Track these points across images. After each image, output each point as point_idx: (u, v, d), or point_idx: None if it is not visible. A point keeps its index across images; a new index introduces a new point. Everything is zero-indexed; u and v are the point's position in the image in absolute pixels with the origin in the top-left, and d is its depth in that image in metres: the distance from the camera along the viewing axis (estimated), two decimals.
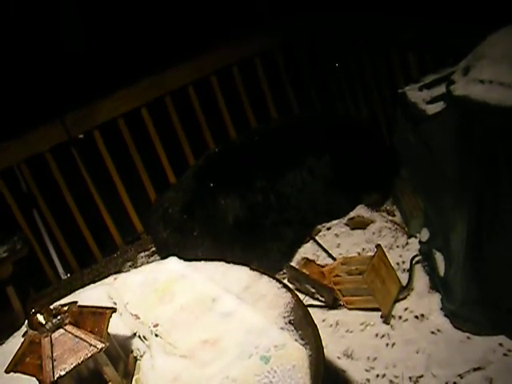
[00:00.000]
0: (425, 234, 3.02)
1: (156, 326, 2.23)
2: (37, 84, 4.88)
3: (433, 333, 2.79)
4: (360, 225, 3.80)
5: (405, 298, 3.07)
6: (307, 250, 3.75)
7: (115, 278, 2.64)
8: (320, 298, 3.25)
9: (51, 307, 1.94)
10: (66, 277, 4.56)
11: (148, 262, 4.02)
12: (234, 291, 2.29)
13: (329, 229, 3.89)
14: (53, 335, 1.87)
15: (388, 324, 2.95)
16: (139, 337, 2.22)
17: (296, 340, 1.96)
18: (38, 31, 4.94)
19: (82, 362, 1.84)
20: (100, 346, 1.86)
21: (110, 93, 4.35)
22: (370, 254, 3.26)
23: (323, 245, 3.72)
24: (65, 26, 5.17)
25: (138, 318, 2.31)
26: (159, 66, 4.50)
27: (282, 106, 4.89)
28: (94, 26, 5.17)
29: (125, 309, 2.37)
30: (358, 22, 4.08)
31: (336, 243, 3.72)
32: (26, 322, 1.95)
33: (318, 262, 3.51)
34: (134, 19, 5.10)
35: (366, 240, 3.63)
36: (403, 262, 3.30)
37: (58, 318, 1.89)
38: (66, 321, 1.90)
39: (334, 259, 3.53)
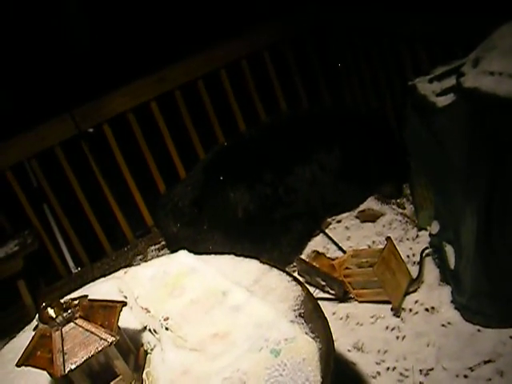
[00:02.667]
0: (435, 227, 3.01)
1: (166, 319, 2.23)
2: (46, 79, 4.89)
3: (443, 326, 2.79)
4: (370, 217, 3.80)
5: (415, 290, 3.06)
6: (317, 243, 3.76)
7: (125, 272, 2.63)
8: (330, 291, 3.25)
9: (62, 301, 1.94)
10: (76, 271, 4.58)
11: (158, 256, 4.03)
12: (244, 284, 2.29)
13: (339, 222, 3.89)
14: (63, 329, 1.87)
15: (398, 317, 2.95)
16: (149, 330, 2.22)
17: (306, 333, 1.96)
18: (46, 27, 4.95)
19: (92, 355, 1.84)
20: (110, 339, 1.86)
21: (119, 87, 4.35)
22: (381, 246, 3.26)
23: (333, 238, 3.73)
24: (72, 20, 5.17)
25: (149, 312, 2.31)
26: (168, 59, 4.50)
27: (291, 99, 4.89)
28: (103, 19, 5.17)
29: (135, 302, 2.37)
30: (366, 14, 4.07)
31: (346, 236, 3.72)
32: (37, 315, 1.95)
33: (328, 255, 3.51)
34: (143, 13, 5.11)
35: (376, 233, 3.63)
36: (413, 255, 3.30)
37: (69, 311, 1.89)
38: (77, 315, 1.90)
39: (344, 252, 3.52)
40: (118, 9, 5.07)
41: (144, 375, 2.05)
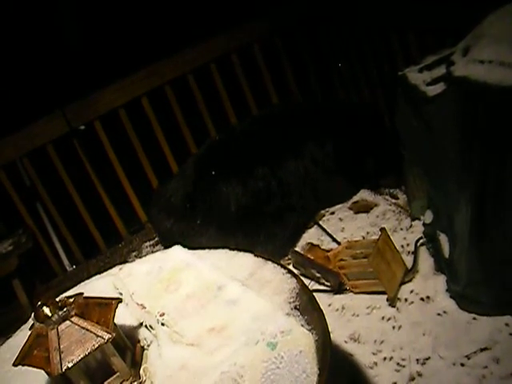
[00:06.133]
0: (429, 216, 3.02)
1: (162, 315, 2.23)
2: (36, 77, 4.88)
3: (439, 314, 2.80)
4: (364, 208, 3.80)
5: (410, 280, 3.07)
6: (311, 235, 3.76)
7: (120, 269, 2.63)
8: (325, 283, 3.25)
9: (57, 299, 1.94)
10: (71, 268, 4.58)
11: (153, 252, 4.03)
12: (239, 278, 2.29)
13: (332, 213, 3.89)
14: (59, 327, 1.86)
15: (394, 307, 2.95)
16: (146, 326, 2.22)
17: (302, 325, 1.96)
18: (36, 24, 4.94)
19: (89, 353, 1.84)
20: (107, 336, 1.86)
21: (109, 83, 4.34)
22: (375, 237, 3.26)
23: (327, 229, 3.73)
24: (63, 17, 5.16)
25: (144, 308, 2.31)
26: (158, 55, 4.49)
27: (282, 92, 4.88)
28: (93, 16, 5.16)
29: (131, 299, 2.37)
30: (356, 5, 4.06)
31: (340, 227, 3.73)
32: (33, 314, 1.95)
33: (322, 247, 3.51)
34: (132, 9, 5.09)
35: (370, 223, 3.64)
36: (408, 245, 3.30)
37: (64, 309, 1.89)
38: (72, 312, 1.89)
39: (338, 243, 3.53)
40: (109, 6, 5.06)
41: (141, 371, 2.04)
